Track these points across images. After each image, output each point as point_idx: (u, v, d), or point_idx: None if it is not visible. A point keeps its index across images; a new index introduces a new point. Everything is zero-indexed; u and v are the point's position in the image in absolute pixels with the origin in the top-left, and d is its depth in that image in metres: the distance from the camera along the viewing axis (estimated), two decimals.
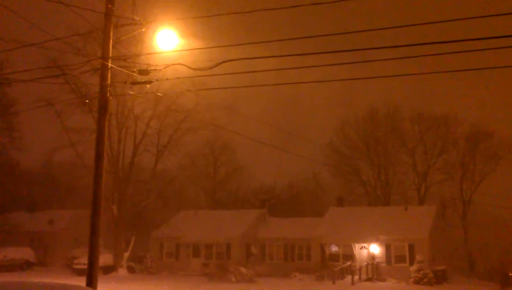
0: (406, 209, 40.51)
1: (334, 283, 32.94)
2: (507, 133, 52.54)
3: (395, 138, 54.40)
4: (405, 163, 55.07)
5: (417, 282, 32.97)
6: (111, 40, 14.56)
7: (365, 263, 35.87)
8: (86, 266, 14.48)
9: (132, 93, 17.80)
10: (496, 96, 76.49)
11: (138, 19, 14.57)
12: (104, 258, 30.49)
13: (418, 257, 34.54)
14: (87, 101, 33.85)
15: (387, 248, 37.12)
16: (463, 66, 17.35)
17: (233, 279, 34.39)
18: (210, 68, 13.81)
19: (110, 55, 14.54)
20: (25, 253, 42.38)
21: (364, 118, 55.51)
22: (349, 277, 33.39)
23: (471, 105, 68.33)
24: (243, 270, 35.60)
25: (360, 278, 33.88)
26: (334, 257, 38.15)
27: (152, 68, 14.84)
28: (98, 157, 14.55)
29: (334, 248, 38.69)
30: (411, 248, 36.30)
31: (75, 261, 38.20)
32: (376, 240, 37.10)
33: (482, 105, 72.25)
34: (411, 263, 35.06)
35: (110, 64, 14.46)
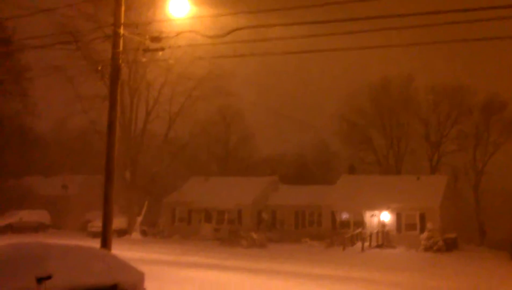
0: (418, 179, 40.54)
1: (344, 249, 33.34)
2: None
3: (408, 108, 54.01)
4: (418, 132, 54.81)
5: (427, 249, 33.27)
6: (123, 7, 14.52)
7: (376, 230, 36.18)
8: (100, 229, 14.84)
9: (144, 60, 17.79)
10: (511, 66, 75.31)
11: None
12: (118, 222, 31.09)
13: (428, 225, 34.75)
14: (99, 68, 33.91)
15: (398, 216, 37.35)
16: (478, 35, 17.05)
17: (244, 244, 34.92)
18: (222, 36, 13.77)
19: (122, 22, 14.52)
20: (40, 216, 43.28)
21: (377, 87, 55.05)
22: (359, 244, 33.77)
23: (486, 75, 67.46)
24: (254, 235, 36.12)
25: (370, 245, 34.23)
26: (345, 224, 38.51)
27: (164, 35, 14.82)
28: (111, 123, 14.71)
29: (344, 216, 39.01)
30: (422, 216, 36.51)
31: (89, 224, 38.98)
32: (387, 208, 37.32)
33: (497, 75, 71.34)
34: (422, 231, 35.31)
35: (122, 31, 14.46)
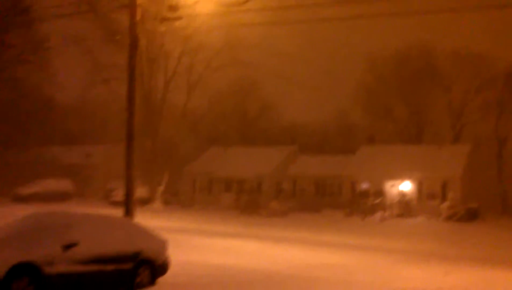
0: (439, 148, 40.15)
1: (363, 218, 33.42)
2: None
3: (429, 76, 53.12)
4: (440, 101, 54.02)
5: (448, 219, 33.15)
6: None
7: (396, 200, 36.11)
8: (122, 198, 15.08)
9: (162, 30, 17.71)
10: None
11: None
12: (140, 191, 31.48)
13: (450, 195, 34.55)
14: (117, 38, 33.92)
15: (419, 185, 37.19)
16: (502, 2, 16.53)
17: (264, 213, 35.21)
18: (240, 4, 13.62)
19: None
20: (64, 185, 44.06)
21: (398, 55, 54.14)
22: (378, 214, 33.80)
23: (510, 42, 65.75)
24: (273, 204, 36.36)
25: (390, 214, 34.23)
26: (365, 193, 38.51)
27: (182, 4, 14.71)
28: (130, 93, 14.82)
29: (365, 185, 38.97)
30: (444, 186, 36.30)
31: (112, 193, 39.56)
32: (408, 177, 37.15)
33: None
34: (443, 201, 35.14)
35: (139, 0, 14.39)
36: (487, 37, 67.01)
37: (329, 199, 40.74)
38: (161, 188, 42.12)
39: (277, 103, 64.71)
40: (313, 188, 42.59)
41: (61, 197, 42.44)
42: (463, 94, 52.36)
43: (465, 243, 24.37)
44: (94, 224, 10.66)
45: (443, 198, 35.45)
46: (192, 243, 19.24)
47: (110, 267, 10.21)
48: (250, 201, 38.24)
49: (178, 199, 44.12)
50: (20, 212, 18.11)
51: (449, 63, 52.93)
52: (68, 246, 9.52)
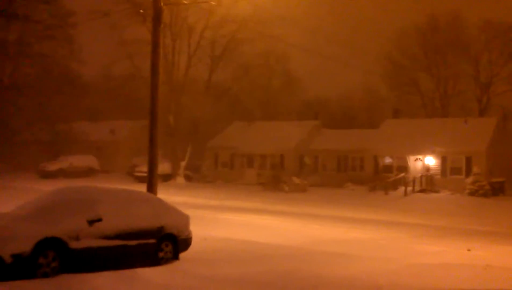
0: (465, 121, 39.49)
1: (386, 193, 33.29)
2: None
3: (456, 47, 51.97)
4: (467, 73, 52.92)
5: (472, 193, 32.79)
6: None
7: (419, 175, 35.82)
8: (146, 174, 15.27)
9: (186, 2, 17.61)
10: None
11: None
12: (163, 167, 31.80)
13: (474, 169, 34.09)
14: (141, 11, 33.92)
15: (443, 160, 36.76)
16: None
17: (286, 188, 35.31)
18: None
19: None
20: (89, 161, 44.80)
21: (423, 26, 53.01)
22: (402, 188, 33.60)
23: None
24: (296, 180, 36.40)
25: (413, 189, 34.01)
26: (388, 168, 38.25)
27: None
28: (153, 67, 14.87)
29: (388, 160, 38.69)
30: (468, 160, 35.81)
31: (136, 169, 40.07)
32: (432, 152, 36.73)
33: None
34: (467, 176, 34.72)
35: None
36: None
37: (352, 174, 40.59)
38: (183, 164, 42.44)
39: (301, 77, 64.21)
40: (336, 163, 42.45)
41: (86, 173, 43.20)
42: (491, 66, 51.22)
43: (489, 218, 24.16)
44: (119, 199, 10.85)
45: (468, 172, 35.01)
46: (214, 219, 19.48)
47: (134, 242, 10.41)
48: (272, 177, 38.34)
49: (201, 174, 44.46)
50: (46, 188, 18.54)
51: (477, 33, 51.71)
52: (93, 221, 9.73)
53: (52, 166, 42.04)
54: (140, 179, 35.12)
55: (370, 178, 37.40)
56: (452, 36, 52.04)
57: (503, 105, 49.88)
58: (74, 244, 9.31)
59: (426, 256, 13.67)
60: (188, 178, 42.49)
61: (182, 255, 11.56)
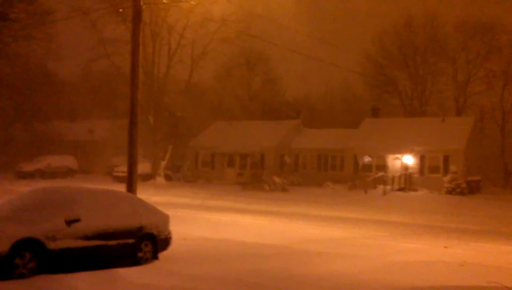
0: (443, 120, 40.02)
1: (366, 192, 33.56)
2: None
3: (434, 47, 52.64)
4: (444, 72, 53.61)
5: (450, 192, 33.25)
6: None
7: (398, 173, 36.20)
8: (125, 174, 15.19)
9: (165, 1, 17.56)
10: None
11: None
12: (142, 167, 31.64)
13: (452, 168, 34.58)
14: (121, 10, 33.69)
15: (421, 159, 37.20)
16: None
17: (267, 187, 35.39)
18: None
19: None
20: (67, 161, 44.35)
21: (401, 26, 53.56)
22: (381, 187, 33.91)
23: None
24: (276, 179, 36.50)
25: (392, 188, 34.35)
26: (367, 167, 38.58)
27: None
28: (133, 67, 14.80)
29: (367, 159, 39.02)
30: (446, 159, 36.29)
31: (115, 169, 39.80)
32: (411, 151, 37.15)
33: None
34: (445, 174, 35.20)
35: None
36: (493, 7, 66.17)
37: (332, 173, 40.85)
38: (163, 163, 42.25)
39: (282, 76, 64.44)
40: (316, 162, 42.68)
41: (64, 173, 42.76)
42: (468, 65, 51.93)
43: (466, 216, 24.53)
44: (97, 199, 10.77)
45: (446, 171, 35.51)
46: (194, 218, 19.45)
47: (113, 242, 10.36)
48: (253, 176, 38.40)
49: (181, 174, 44.32)
50: (23, 188, 18.31)
51: (454, 33, 52.38)
52: (71, 222, 9.65)
53: (30, 167, 41.53)
54: (119, 179, 34.89)
55: (350, 177, 37.71)
56: (428, 35, 52.69)
57: (480, 104, 50.73)
58: (51, 245, 9.22)
59: (405, 254, 13.85)
60: (168, 178, 42.31)
61: (162, 254, 11.54)
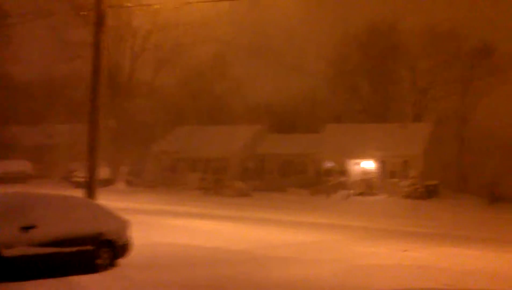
0: (402, 126, 40.91)
1: (327, 197, 33.95)
2: (510, 50, 51.74)
3: (394, 54, 53.73)
4: (405, 79, 54.79)
5: (408, 196, 33.98)
6: None
7: (359, 178, 36.75)
8: (84, 179, 14.93)
9: (129, 5, 17.42)
10: (504, 10, 74.54)
11: None
12: (103, 172, 31.01)
13: (411, 173, 35.35)
14: (83, 13, 33.17)
15: (382, 164, 37.91)
16: None
17: (230, 193, 35.37)
18: None
19: None
20: (22, 166, 43.23)
21: (363, 33, 54.50)
22: (342, 192, 34.37)
23: (474, 20, 66.72)
24: (239, 184, 36.55)
25: (353, 192, 34.85)
26: (329, 172, 39.03)
27: None
28: (95, 71, 14.61)
29: (329, 164, 39.47)
30: (405, 164, 37.10)
31: (74, 174, 39.00)
32: (371, 156, 37.80)
33: (489, 20, 70.62)
34: (405, 179, 35.94)
35: None
36: (452, 15, 67.94)
37: (295, 178, 41.12)
38: (124, 168, 41.69)
39: (247, 81, 64.41)
40: (279, 167, 42.89)
41: (18, 178, 41.58)
42: (427, 73, 53.17)
43: (424, 220, 25.10)
44: (54, 205, 10.57)
45: (405, 176, 36.26)
46: (155, 224, 19.23)
47: (70, 249, 10.16)
48: (216, 181, 38.31)
49: (143, 179, 43.75)
50: None
51: (414, 41, 53.55)
52: (27, 228, 9.43)
53: None
54: (78, 185, 34.15)
55: (312, 182, 38.07)
56: (390, 43, 53.74)
57: (438, 111, 52.04)
58: (6, 252, 8.99)
59: (365, 258, 14.05)
60: (129, 183, 41.74)
61: (121, 261, 11.38)
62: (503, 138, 52.03)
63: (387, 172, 37.79)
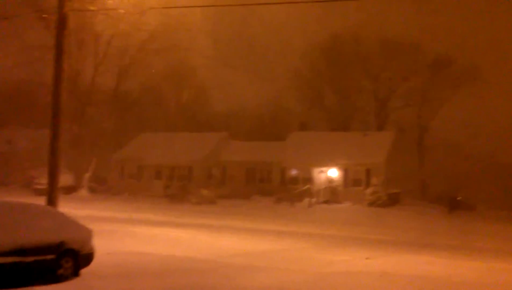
0: (365, 135, 41.57)
1: (292, 205, 34.12)
2: (468, 62, 53.44)
3: (357, 64, 54.72)
4: (367, 89, 55.83)
5: (371, 204, 34.52)
6: None
7: (323, 186, 37.10)
8: (46, 186, 14.60)
9: (92, 9, 17.23)
10: (462, 24, 76.98)
11: None
12: (65, 179, 30.44)
13: (373, 181, 35.93)
14: (44, 16, 32.50)
15: (345, 172, 38.38)
16: None
17: (194, 200, 35.19)
18: None
19: None
20: None
21: (328, 43, 55.32)
22: (306, 200, 34.61)
23: (434, 31, 68.66)
24: (204, 191, 36.38)
25: (317, 200, 35.15)
26: (294, 180, 39.28)
27: None
28: (57, 75, 14.37)
29: (294, 172, 39.73)
30: (368, 172, 37.67)
31: (35, 181, 38.09)
32: (335, 164, 38.22)
33: (447, 33, 72.79)
34: (367, 187, 36.49)
35: None
36: (414, 27, 69.63)
37: (260, 185, 41.23)
38: (87, 175, 40.96)
39: (212, 88, 64.40)
40: (244, 175, 42.92)
41: None
42: (389, 83, 54.33)
43: (386, 228, 25.53)
44: (14, 213, 10.29)
45: (367, 184, 36.83)
46: (119, 232, 18.95)
47: (31, 259, 9.90)
48: (180, 188, 38.04)
49: (106, 187, 43.07)
50: None
51: (377, 52, 54.65)
52: None
53: None
54: (39, 192, 33.37)
55: (277, 190, 38.22)
56: (353, 53, 54.71)
57: (399, 120, 53.23)
58: None
59: (329, 265, 14.17)
60: (92, 190, 41.03)
61: (83, 271, 11.16)
62: (462, 147, 53.62)
63: (351, 180, 38.30)
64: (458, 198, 37.73)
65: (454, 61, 52.43)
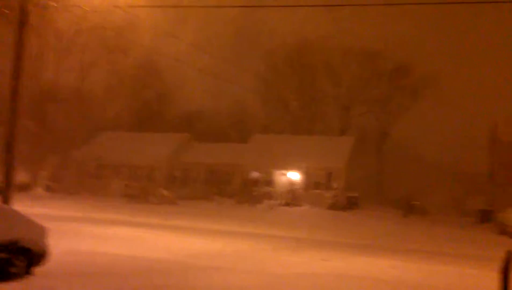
0: (327, 139, 42.18)
1: (253, 207, 34.28)
2: (428, 70, 54.99)
3: (321, 70, 55.50)
4: (330, 94, 56.65)
5: (331, 207, 35.03)
6: None
7: (284, 189, 37.41)
8: (0, 184, 14.31)
9: (55, 5, 17.01)
10: (422, 34, 78.90)
11: None
12: (20, 176, 29.81)
13: (334, 184, 36.46)
14: (5, 11, 31.71)
15: (306, 175, 38.81)
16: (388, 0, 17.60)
17: (154, 200, 34.94)
18: None
19: None
20: None
21: (293, 48, 55.90)
22: (267, 202, 34.83)
23: (396, 40, 70.27)
24: (164, 192, 36.17)
25: (278, 203, 35.41)
26: (255, 182, 39.48)
27: None
28: (16, 71, 14.13)
29: (254, 174, 39.93)
30: (329, 176, 38.20)
31: None
32: (296, 167, 38.60)
33: (408, 42, 74.45)
34: (328, 190, 37.00)
35: None
36: (376, 36, 71.02)
37: (221, 187, 41.27)
38: (44, 173, 40.11)
39: (175, 89, 63.96)
40: (205, 176, 42.87)
41: None
42: (351, 89, 55.31)
43: (344, 230, 25.96)
44: None
45: (328, 187, 37.35)
46: (74, 231, 18.68)
47: None
48: (140, 189, 37.73)
49: (64, 185, 42.25)
50: None
51: (340, 59, 55.57)
52: None
53: None
54: None
55: (238, 192, 38.33)
56: (317, 59, 55.48)
57: (361, 126, 54.27)
58: None
59: (286, 267, 14.33)
60: (49, 188, 40.19)
61: (38, 270, 10.97)
62: (419, 153, 55.03)
63: (312, 183, 38.76)
64: (413, 203, 38.75)
65: (412, 69, 53.87)
